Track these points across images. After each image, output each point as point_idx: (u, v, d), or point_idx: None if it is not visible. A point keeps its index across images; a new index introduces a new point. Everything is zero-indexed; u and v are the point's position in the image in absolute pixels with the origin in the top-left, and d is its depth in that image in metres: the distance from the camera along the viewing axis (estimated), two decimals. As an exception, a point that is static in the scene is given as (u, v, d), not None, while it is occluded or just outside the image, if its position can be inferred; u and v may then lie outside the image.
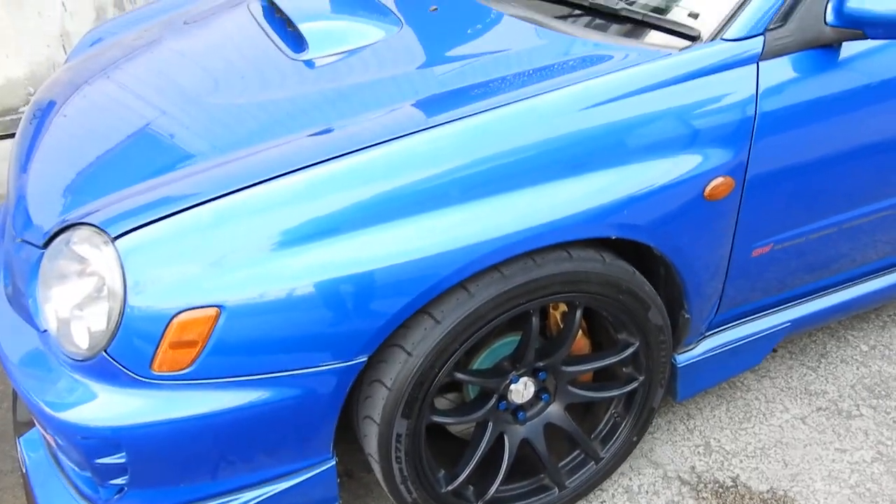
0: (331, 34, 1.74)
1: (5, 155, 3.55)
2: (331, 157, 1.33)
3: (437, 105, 1.46)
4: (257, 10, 2.10)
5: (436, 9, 1.82)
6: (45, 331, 1.42)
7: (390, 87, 1.59)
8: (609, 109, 1.43)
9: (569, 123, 1.40)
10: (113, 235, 1.29)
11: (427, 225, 1.33)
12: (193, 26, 2.15)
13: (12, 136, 3.77)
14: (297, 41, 1.78)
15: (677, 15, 1.58)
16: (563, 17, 1.73)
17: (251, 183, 1.31)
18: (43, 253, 1.43)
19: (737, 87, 1.50)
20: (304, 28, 1.75)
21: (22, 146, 1.92)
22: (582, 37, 1.62)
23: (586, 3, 1.69)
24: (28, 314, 1.49)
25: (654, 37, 1.58)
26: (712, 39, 1.50)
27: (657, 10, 1.61)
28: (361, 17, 1.81)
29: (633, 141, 1.44)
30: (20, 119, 3.76)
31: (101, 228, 1.32)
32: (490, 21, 1.75)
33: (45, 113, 1.99)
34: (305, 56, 1.71)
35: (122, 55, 2.10)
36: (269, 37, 1.87)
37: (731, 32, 1.50)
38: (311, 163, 1.32)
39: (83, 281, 1.35)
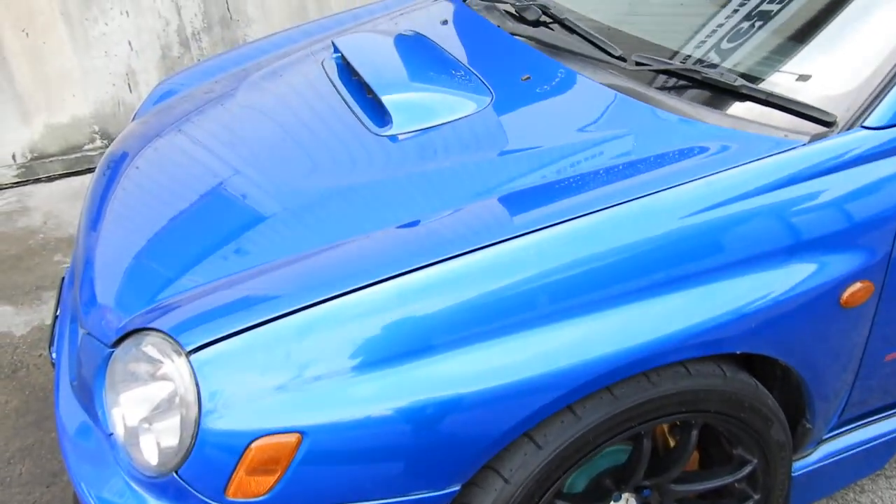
0: (415, 107, 1.62)
1: (73, 193, 3.54)
2: (422, 264, 1.20)
3: (534, 199, 1.33)
4: (332, 68, 1.99)
5: (528, 77, 1.69)
6: (112, 434, 1.32)
7: (481, 173, 1.45)
8: (734, 210, 1.27)
9: (687, 227, 1.25)
10: (188, 349, 1.18)
11: (530, 342, 1.19)
12: (266, 83, 2.06)
13: (78, 173, 3.77)
14: (378, 113, 1.66)
15: (806, 94, 1.41)
16: (670, 90, 1.57)
17: (337, 293, 1.19)
18: (111, 352, 1.34)
19: (879, 181, 1.32)
20: (388, 100, 1.62)
21: (93, 200, 1.86)
22: (693, 116, 1.46)
23: (698, 77, 1.53)
24: (93, 409, 1.40)
25: (777, 118, 1.41)
26: (850, 127, 1.33)
27: (781, 88, 1.44)
28: (447, 87, 1.68)
29: (760, 245, 1.27)
30: (84, 157, 3.76)
31: (174, 338, 1.21)
32: (586, 93, 1.60)
33: (117, 165, 1.93)
34: (389, 131, 1.59)
35: (194, 108, 2.03)
36: (347, 105, 1.75)
37: (873, 119, 1.32)
38: (400, 271, 1.20)
39: (154, 388, 1.25)
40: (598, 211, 1.24)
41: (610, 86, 1.60)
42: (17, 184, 3.67)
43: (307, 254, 1.33)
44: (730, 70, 1.52)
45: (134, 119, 2.31)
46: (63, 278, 1.98)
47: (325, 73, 1.96)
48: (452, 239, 1.25)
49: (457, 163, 1.49)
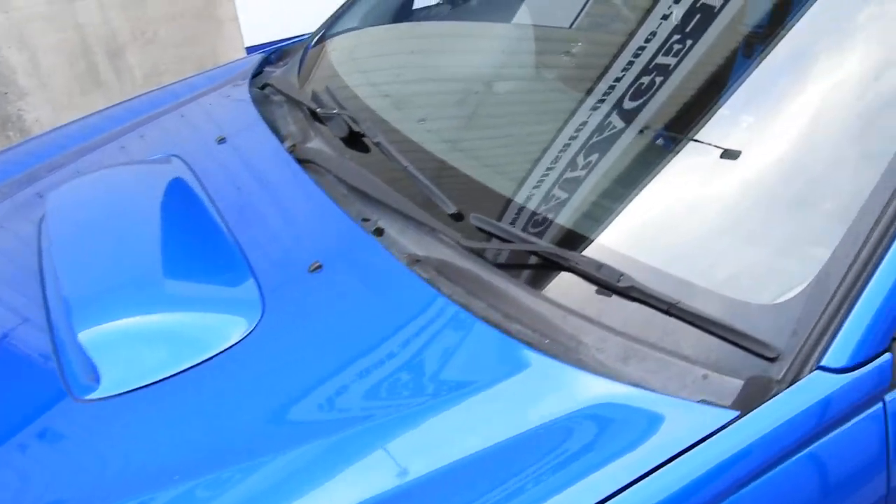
0: (132, 347, 1.01)
1: None
2: None
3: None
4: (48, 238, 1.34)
5: (319, 266, 1.10)
6: None
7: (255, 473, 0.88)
8: None
9: None
10: None
11: None
12: None
13: None
14: (81, 355, 1.05)
15: (733, 311, 0.90)
16: (524, 277, 1.04)
17: None
18: None
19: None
20: (86, 340, 1.01)
21: None
22: (558, 340, 0.93)
23: (564, 264, 0.99)
24: None
25: (691, 342, 0.91)
26: (801, 368, 0.84)
27: (699, 295, 0.93)
28: (188, 298, 1.08)
29: None
30: None
31: None
32: (406, 301, 1.04)
33: None
34: (94, 395, 0.98)
35: None
36: (50, 326, 1.12)
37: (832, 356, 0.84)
38: None
39: None
40: None
41: (435, 278, 1.04)
42: None
43: None
44: (608, 264, 0.98)
45: None
46: None
47: (39, 249, 1.32)
48: None
49: (203, 452, 0.91)
